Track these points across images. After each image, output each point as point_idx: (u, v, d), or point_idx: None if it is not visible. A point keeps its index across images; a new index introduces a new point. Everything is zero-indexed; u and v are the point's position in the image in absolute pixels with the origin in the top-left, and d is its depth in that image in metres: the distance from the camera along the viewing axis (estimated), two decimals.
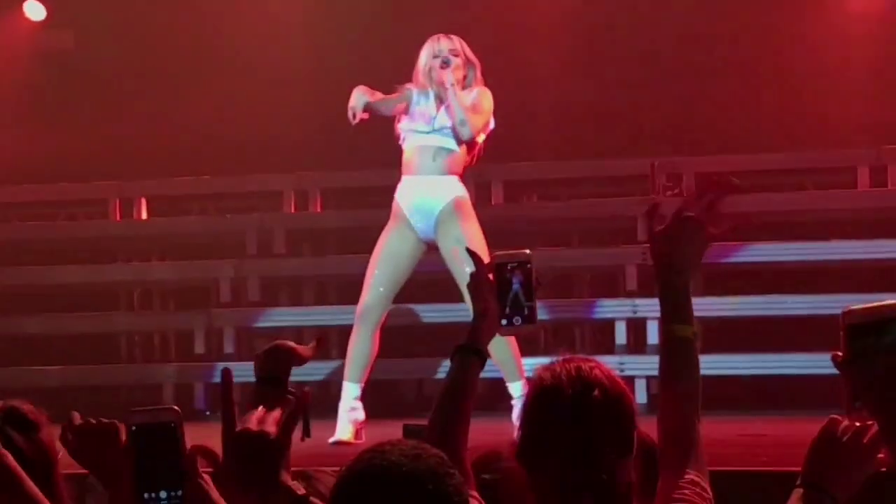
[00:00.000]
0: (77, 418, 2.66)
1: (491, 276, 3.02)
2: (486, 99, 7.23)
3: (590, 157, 10.67)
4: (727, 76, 10.65)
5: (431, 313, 9.31)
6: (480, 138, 7.30)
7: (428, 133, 7.22)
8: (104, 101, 11.48)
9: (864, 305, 2.06)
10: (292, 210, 10.98)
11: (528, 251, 3.01)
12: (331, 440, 7.09)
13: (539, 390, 2.59)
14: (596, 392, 2.55)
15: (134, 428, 2.42)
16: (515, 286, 2.96)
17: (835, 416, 2.41)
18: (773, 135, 10.44)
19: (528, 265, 2.98)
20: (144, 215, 11.25)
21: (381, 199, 10.43)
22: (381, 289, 7.19)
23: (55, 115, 11.55)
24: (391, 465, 2.12)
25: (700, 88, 10.65)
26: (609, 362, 9.85)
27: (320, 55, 11.10)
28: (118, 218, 11.25)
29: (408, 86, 7.32)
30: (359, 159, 10.38)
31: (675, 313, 2.74)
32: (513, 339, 6.75)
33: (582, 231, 10.70)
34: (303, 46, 11.19)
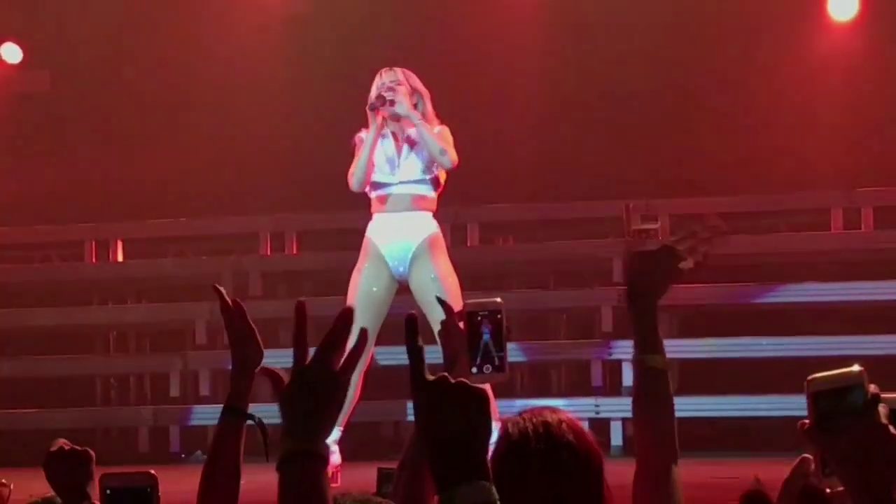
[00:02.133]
0: (58, 444, 2.76)
1: (462, 324, 3.03)
2: (449, 133, 7.16)
3: (565, 200, 10.70)
4: (702, 119, 10.71)
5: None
6: (443, 176, 7.27)
7: (395, 184, 7.20)
8: (80, 143, 11.48)
9: (827, 373, 2.08)
10: (268, 252, 10.99)
11: (498, 300, 3.01)
12: None
13: (506, 446, 2.58)
14: (564, 452, 2.53)
15: (109, 491, 2.42)
16: (485, 336, 2.97)
17: (807, 455, 2.42)
18: (746, 177, 10.49)
19: (499, 314, 2.98)
20: (120, 257, 11.23)
21: (357, 241, 10.46)
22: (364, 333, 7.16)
23: (30, 157, 11.53)
24: None
25: (674, 131, 10.71)
26: (585, 404, 9.87)
27: (296, 98, 11.13)
28: (94, 260, 11.23)
29: (360, 135, 7.26)
30: (334, 201, 10.40)
31: (644, 341, 2.76)
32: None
33: (557, 273, 10.73)
34: (278, 89, 11.21)
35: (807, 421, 2.08)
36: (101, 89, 11.57)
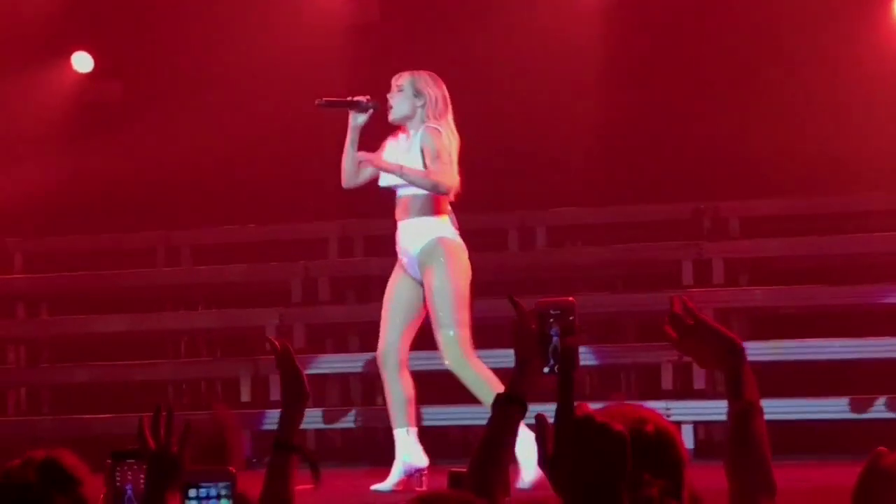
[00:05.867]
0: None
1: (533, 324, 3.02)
2: (434, 141, 7.07)
3: (634, 202, 10.66)
4: (773, 119, 10.62)
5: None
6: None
7: (398, 189, 7.22)
8: (149, 151, 11.56)
9: None
10: (337, 257, 11.02)
11: (571, 298, 3.01)
12: (374, 487, 7.08)
13: (590, 427, 2.59)
14: (649, 427, 2.56)
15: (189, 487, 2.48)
16: (555, 336, 2.97)
17: (881, 448, 2.40)
18: (819, 177, 10.38)
19: (571, 313, 2.97)
20: (191, 264, 11.32)
21: None
22: (392, 333, 7.25)
23: (101, 166, 11.61)
24: None
25: (745, 131, 10.62)
26: (655, 407, 9.79)
27: None
28: (164, 267, 11.34)
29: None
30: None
31: (735, 388, 2.82)
32: None
33: (626, 276, 10.68)
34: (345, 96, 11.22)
35: None
36: (171, 98, 11.66)
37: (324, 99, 7.31)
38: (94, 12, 11.76)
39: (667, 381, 9.38)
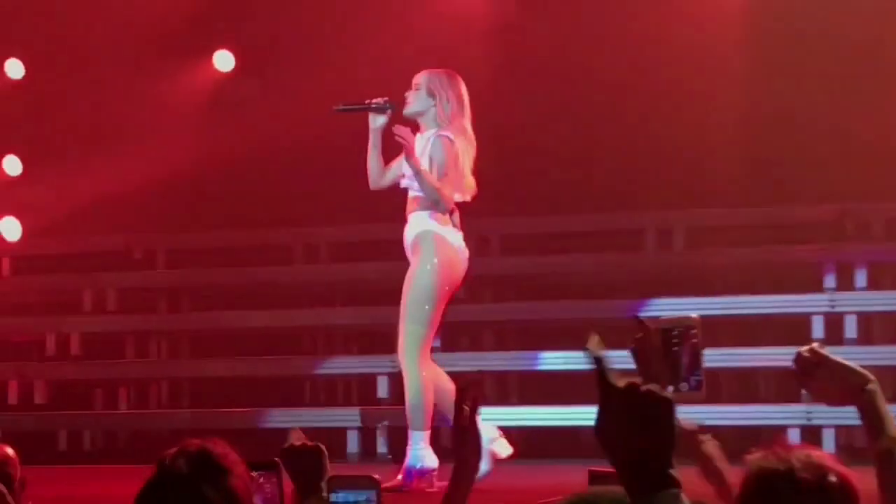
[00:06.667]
0: (295, 438, 3.10)
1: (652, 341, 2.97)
2: (444, 154, 7.12)
3: (775, 203, 10.51)
4: None
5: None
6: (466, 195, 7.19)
7: (413, 186, 7.26)
8: (286, 148, 11.66)
9: None
10: (473, 255, 11.01)
11: (693, 315, 2.96)
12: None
13: (768, 474, 2.45)
14: (832, 477, 2.44)
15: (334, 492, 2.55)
16: (681, 354, 2.92)
17: None
18: None
19: (694, 331, 2.93)
20: (328, 261, 11.43)
21: (559, 245, 10.44)
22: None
23: (240, 163, 11.72)
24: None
25: (890, 130, 10.41)
26: (795, 411, 9.67)
27: (502, 107, 11.15)
28: (302, 264, 11.46)
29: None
30: (537, 205, 10.41)
31: (868, 427, 2.76)
32: None
33: (765, 279, 10.53)
34: (490, 99, 11.24)
35: None
36: (310, 95, 11.75)
37: (341, 104, 7.32)
38: (234, 12, 11.92)
39: None
